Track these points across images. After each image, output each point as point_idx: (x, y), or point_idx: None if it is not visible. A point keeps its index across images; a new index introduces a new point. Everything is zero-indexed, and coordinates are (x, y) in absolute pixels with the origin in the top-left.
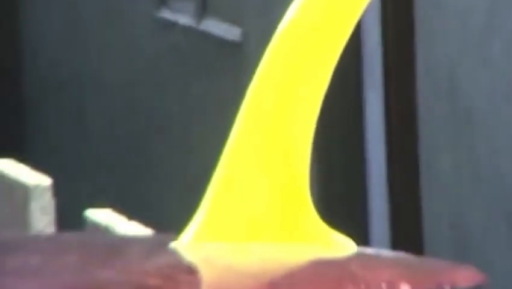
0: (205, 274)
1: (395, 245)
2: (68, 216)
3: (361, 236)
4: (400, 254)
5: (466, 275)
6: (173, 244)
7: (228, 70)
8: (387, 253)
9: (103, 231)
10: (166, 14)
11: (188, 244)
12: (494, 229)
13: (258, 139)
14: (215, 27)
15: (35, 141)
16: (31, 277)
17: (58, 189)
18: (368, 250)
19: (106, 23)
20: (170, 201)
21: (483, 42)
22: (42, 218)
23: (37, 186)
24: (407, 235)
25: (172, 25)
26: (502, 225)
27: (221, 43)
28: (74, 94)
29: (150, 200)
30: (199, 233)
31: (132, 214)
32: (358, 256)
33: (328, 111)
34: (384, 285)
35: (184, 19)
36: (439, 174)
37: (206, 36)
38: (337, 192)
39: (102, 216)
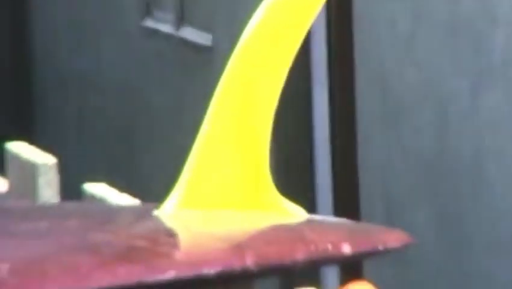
0: (182, 237)
1: (337, 213)
2: (70, 189)
3: (309, 206)
4: (342, 220)
5: (395, 237)
6: (156, 212)
7: (202, 70)
8: (331, 219)
9: (98, 201)
10: (150, 24)
11: (168, 212)
12: (417, 199)
13: (227, 125)
14: (191, 34)
15: (43, 127)
16: (40, 238)
17: (61, 167)
18: (316, 217)
19: (102, 30)
20: (155, 177)
21: (410, 44)
22: (48, 191)
23: (44, 165)
24: (347, 204)
25: (155, 32)
26: (423, 196)
27: (196, 47)
28: (75, 88)
29: (138, 176)
30: (178, 203)
31: (123, 187)
32: (308, 222)
33: (284, 100)
34: (329, 245)
35: (165, 27)
36: (373, 153)
37: (184, 41)
38: (289, 168)
39: (97, 189)
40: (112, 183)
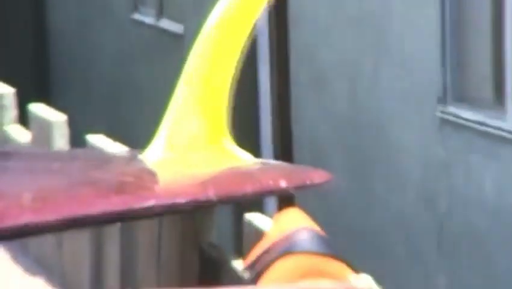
0: (161, 175)
1: (276, 157)
2: (76, 140)
3: (256, 153)
4: (280, 163)
5: (319, 175)
6: (141, 157)
7: (175, 52)
8: (271, 162)
9: (97, 149)
10: (137, 16)
11: (150, 157)
12: (335, 147)
13: (194, 89)
14: (168, 24)
15: (57, 92)
16: (53, 175)
17: (70, 123)
18: (261, 160)
19: (102, 21)
20: (140, 130)
21: (328, 32)
22: (60, 141)
23: (57, 121)
24: (283, 151)
25: (141, 23)
26: (339, 145)
27: (172, 35)
28: (82, 62)
29: (128, 130)
30: (157, 149)
31: (116, 138)
32: (255, 164)
33: (239, 75)
34: (270, 181)
35: (148, 19)
36: (302, 112)
37: (162, 30)
38: (241, 126)
39: (97, 139)
40: (109, 135)
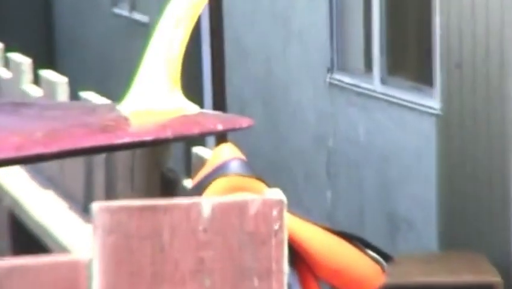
0: (133, 120)
1: (215, 109)
2: (74, 96)
3: (200, 105)
4: (217, 112)
5: (246, 121)
6: (118, 107)
7: (143, 37)
8: (212, 112)
9: (87, 102)
10: (117, 10)
11: (125, 107)
12: (257, 100)
13: (159, 58)
14: (138, 16)
15: (61, 61)
16: (55, 119)
17: (69, 83)
18: (204, 110)
19: (90, 13)
20: (119, 88)
21: (251, 22)
22: (62, 96)
23: (60, 82)
24: (220, 104)
25: (119, 15)
26: (260, 98)
27: (140, 24)
28: (77, 44)
29: (110, 87)
30: (131, 101)
31: (102, 93)
32: (200, 113)
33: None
34: (211, 125)
35: (124, 12)
36: (233, 77)
37: (134, 20)
38: (189, 86)
39: (88, 95)
40: (96, 91)
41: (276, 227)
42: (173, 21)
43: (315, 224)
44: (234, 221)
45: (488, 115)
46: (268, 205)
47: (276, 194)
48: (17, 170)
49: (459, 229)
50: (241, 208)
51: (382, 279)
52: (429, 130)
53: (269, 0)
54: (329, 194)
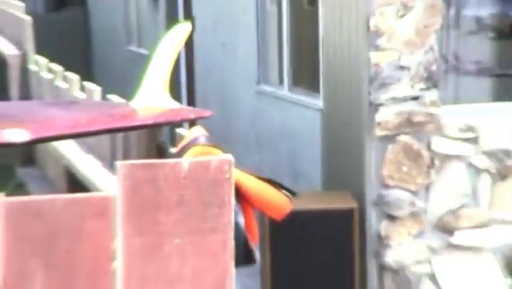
0: (139, 112)
1: (188, 104)
2: (103, 98)
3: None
4: (191, 107)
5: (207, 112)
6: (131, 103)
7: (146, 65)
8: (186, 107)
9: (112, 101)
10: (130, 47)
11: (134, 104)
12: (215, 99)
13: (157, 71)
14: (143, 51)
15: (97, 77)
16: (91, 111)
17: (102, 91)
18: (182, 106)
19: (109, 50)
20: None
21: (212, 47)
22: (97, 98)
23: (96, 89)
24: (191, 101)
25: (130, 51)
26: (218, 97)
27: (144, 56)
28: (110, 64)
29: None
30: (138, 100)
31: (123, 97)
32: (181, 108)
33: None
34: (187, 115)
35: (134, 48)
36: (201, 83)
37: (140, 54)
38: (171, 88)
39: (113, 97)
40: (118, 95)
41: (227, 176)
42: (165, 50)
43: (251, 173)
44: (202, 173)
45: (349, 109)
46: (222, 162)
47: (227, 156)
48: (70, 142)
49: (335, 177)
50: (206, 164)
51: (290, 206)
52: (317, 119)
53: (216, 35)
54: (256, 157)
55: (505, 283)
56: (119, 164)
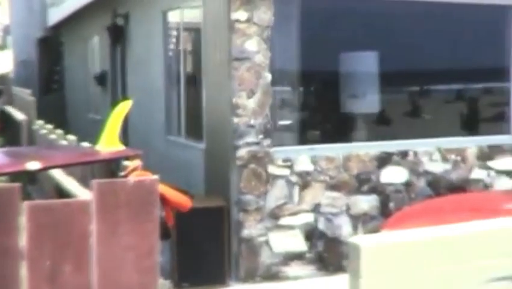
0: (101, 153)
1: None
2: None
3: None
4: (129, 148)
5: (134, 151)
6: (95, 147)
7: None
8: (128, 149)
9: (83, 146)
10: (91, 115)
11: (97, 147)
12: (140, 130)
13: (108, 129)
14: (97, 117)
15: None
16: (59, 152)
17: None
18: (125, 148)
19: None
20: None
21: (143, 97)
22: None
23: (52, 129)
24: (125, 137)
25: (94, 120)
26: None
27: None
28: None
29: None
30: (99, 146)
31: (92, 143)
32: (125, 149)
33: None
34: (125, 154)
35: (97, 117)
36: (138, 117)
37: (97, 120)
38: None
39: (86, 144)
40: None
41: (156, 188)
42: (115, 116)
43: (170, 186)
44: (141, 186)
45: (221, 149)
46: (153, 180)
47: (155, 177)
48: (57, 169)
49: (212, 188)
50: (143, 181)
51: (190, 204)
52: (202, 155)
53: (140, 105)
54: (167, 178)
55: (304, 244)
56: (94, 182)
